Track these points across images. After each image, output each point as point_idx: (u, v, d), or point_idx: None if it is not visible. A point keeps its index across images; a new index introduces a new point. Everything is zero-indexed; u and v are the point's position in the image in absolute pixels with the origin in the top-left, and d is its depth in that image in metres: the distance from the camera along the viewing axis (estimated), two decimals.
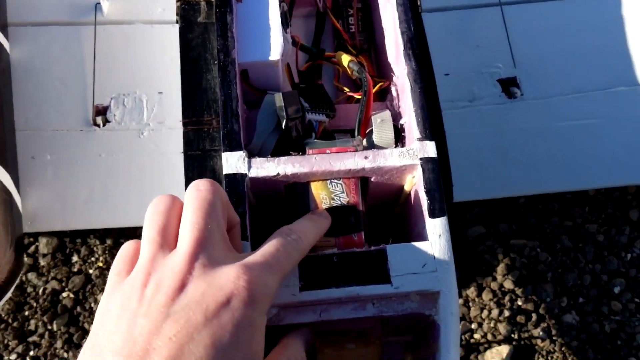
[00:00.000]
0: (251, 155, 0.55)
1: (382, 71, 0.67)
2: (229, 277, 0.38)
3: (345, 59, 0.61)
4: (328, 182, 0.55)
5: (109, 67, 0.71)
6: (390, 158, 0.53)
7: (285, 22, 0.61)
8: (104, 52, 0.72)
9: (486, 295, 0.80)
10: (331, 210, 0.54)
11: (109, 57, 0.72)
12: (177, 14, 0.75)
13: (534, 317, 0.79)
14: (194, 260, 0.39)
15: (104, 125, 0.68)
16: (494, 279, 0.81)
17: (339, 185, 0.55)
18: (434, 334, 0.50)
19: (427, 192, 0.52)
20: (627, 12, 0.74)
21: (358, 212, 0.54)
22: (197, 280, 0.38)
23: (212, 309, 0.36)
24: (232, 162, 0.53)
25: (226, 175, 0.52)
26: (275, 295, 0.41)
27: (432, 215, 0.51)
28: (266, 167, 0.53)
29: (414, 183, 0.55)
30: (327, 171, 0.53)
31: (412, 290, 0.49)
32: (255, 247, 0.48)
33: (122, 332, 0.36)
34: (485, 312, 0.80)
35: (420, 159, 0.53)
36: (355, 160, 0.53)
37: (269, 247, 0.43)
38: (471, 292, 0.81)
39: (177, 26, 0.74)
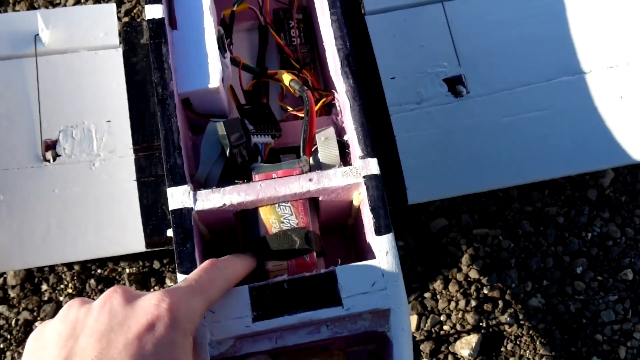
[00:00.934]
0: (198, 185, 0.55)
1: (327, 83, 0.68)
2: (151, 302, 0.42)
3: (287, 78, 0.62)
4: (276, 205, 0.56)
5: (54, 98, 0.71)
6: (334, 178, 0.54)
7: (223, 47, 0.61)
8: (48, 84, 0.71)
9: (452, 287, 0.82)
10: (281, 233, 0.55)
11: (54, 88, 0.71)
12: (119, 37, 0.74)
13: (501, 304, 0.81)
14: (118, 290, 0.43)
15: (54, 159, 0.68)
16: (459, 270, 0.83)
17: (287, 208, 0.56)
18: (388, 349, 0.51)
19: (372, 210, 0.53)
20: (567, 1, 0.74)
21: (308, 234, 0.55)
22: (122, 306, 0.41)
23: (134, 331, 0.40)
24: (177, 196, 0.53)
25: (172, 211, 0.52)
26: (201, 317, 0.45)
27: (378, 232, 0.52)
28: (212, 199, 0.53)
29: (361, 199, 0.56)
30: (274, 197, 0.54)
31: (364, 310, 0.50)
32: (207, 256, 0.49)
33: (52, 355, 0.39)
34: (453, 304, 0.81)
35: (364, 177, 0.54)
36: (300, 184, 0.54)
37: (192, 274, 0.47)
38: (438, 285, 0.82)
39: (120, 50, 0.73)
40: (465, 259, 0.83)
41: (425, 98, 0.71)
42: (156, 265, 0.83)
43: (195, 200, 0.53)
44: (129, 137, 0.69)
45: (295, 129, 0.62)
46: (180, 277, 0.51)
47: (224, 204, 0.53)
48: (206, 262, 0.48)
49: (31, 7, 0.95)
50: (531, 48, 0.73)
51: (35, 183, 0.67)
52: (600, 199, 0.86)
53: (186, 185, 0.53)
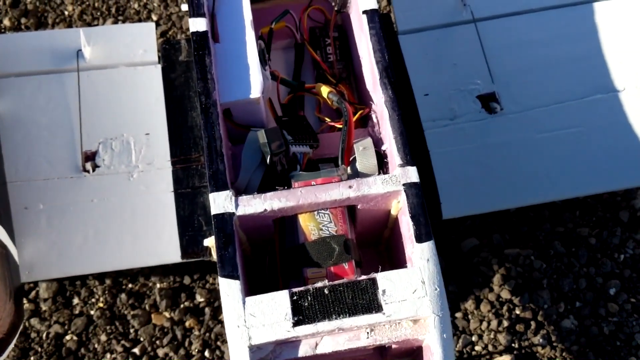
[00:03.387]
0: (238, 193, 0.56)
1: (363, 97, 0.69)
2: None
3: (325, 90, 0.63)
4: (315, 213, 0.56)
5: (94, 112, 0.73)
6: (374, 186, 0.55)
7: (264, 59, 0.62)
8: (89, 98, 0.73)
9: (484, 307, 0.81)
10: (320, 240, 0.55)
11: (94, 102, 0.73)
12: (158, 54, 0.76)
13: (533, 324, 0.80)
14: None
15: (93, 170, 0.69)
16: (491, 289, 0.82)
17: (326, 215, 0.56)
18: (429, 357, 0.51)
19: (412, 217, 0.53)
20: (599, 20, 0.75)
21: (347, 241, 0.55)
22: None
23: None
24: (220, 202, 0.54)
25: (214, 215, 0.53)
26: None
27: (419, 240, 0.52)
28: (253, 204, 0.54)
29: (400, 207, 0.56)
30: (314, 203, 0.54)
31: (404, 317, 0.50)
32: (249, 284, 0.49)
33: None
34: (485, 324, 0.80)
35: (403, 184, 0.54)
36: (340, 191, 0.54)
37: None
38: (469, 304, 0.81)
39: (159, 66, 0.75)
40: (497, 279, 0.82)
41: (459, 114, 0.71)
42: (187, 280, 0.83)
43: (237, 205, 0.53)
44: (167, 149, 0.70)
45: (331, 141, 0.63)
46: (223, 281, 0.51)
47: (265, 210, 0.54)
48: None
49: (69, 27, 0.98)
50: (564, 67, 0.74)
51: (75, 193, 0.68)
52: (632, 220, 0.85)
53: (228, 191, 0.54)
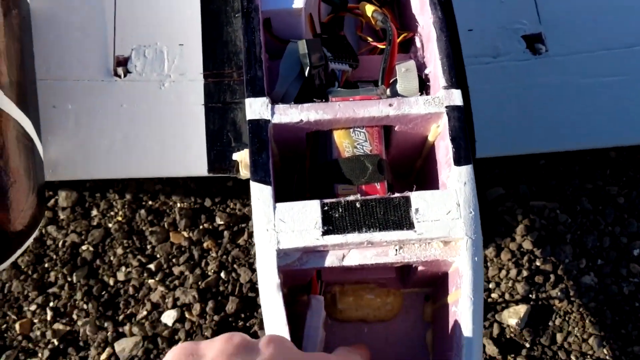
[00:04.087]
0: (274, 101, 0.54)
1: (405, 24, 0.66)
2: None
3: (369, 9, 0.61)
4: (351, 130, 0.55)
5: (129, 18, 0.71)
6: (415, 106, 0.53)
7: None
8: (124, 3, 0.72)
9: (505, 256, 0.80)
10: (354, 158, 0.54)
11: (130, 8, 0.72)
12: None
13: (552, 277, 0.79)
14: None
15: (124, 76, 0.68)
16: (513, 239, 0.81)
17: (362, 133, 0.55)
18: (456, 281, 0.50)
19: (453, 140, 0.52)
20: None
21: (381, 161, 0.54)
22: None
23: None
24: (256, 108, 0.52)
25: (249, 121, 0.52)
26: None
27: (458, 162, 0.51)
28: (289, 114, 0.52)
29: (439, 132, 0.55)
30: (351, 118, 0.53)
31: (436, 237, 0.49)
32: (277, 193, 0.48)
33: None
34: (504, 272, 0.80)
35: (446, 107, 0.53)
36: (379, 108, 0.53)
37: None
38: (490, 252, 0.80)
39: None
40: (520, 229, 0.81)
41: (502, 53, 0.69)
42: (207, 203, 0.82)
43: (272, 113, 0.52)
44: (200, 62, 0.69)
45: (371, 63, 0.61)
46: (255, 186, 0.50)
47: (301, 120, 0.52)
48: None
49: None
50: (614, 13, 0.71)
51: (104, 96, 0.67)
52: None
53: (265, 98, 0.53)
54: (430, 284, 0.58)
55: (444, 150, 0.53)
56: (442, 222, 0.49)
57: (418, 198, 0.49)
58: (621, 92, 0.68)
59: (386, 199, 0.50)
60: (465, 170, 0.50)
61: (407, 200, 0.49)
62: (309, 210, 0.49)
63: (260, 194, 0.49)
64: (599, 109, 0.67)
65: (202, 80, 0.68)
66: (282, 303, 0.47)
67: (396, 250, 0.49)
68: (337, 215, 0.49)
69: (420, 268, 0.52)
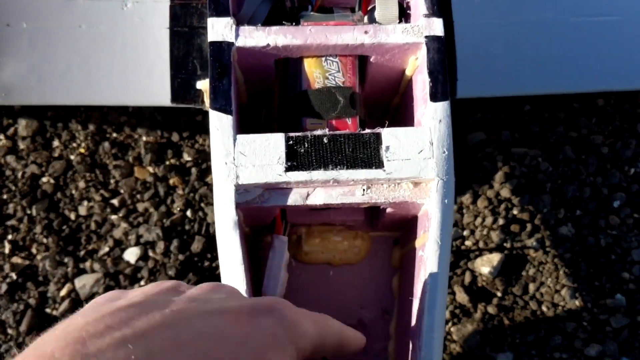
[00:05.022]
0: (240, 23, 0.50)
1: None
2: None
3: None
4: (323, 59, 0.51)
5: None
6: (392, 34, 0.49)
7: None
8: None
9: (481, 203, 0.78)
10: (325, 90, 0.50)
11: None
12: None
13: (529, 227, 0.77)
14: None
15: None
16: (491, 186, 0.78)
17: (334, 63, 0.51)
18: (425, 225, 0.47)
19: (430, 74, 0.48)
20: None
21: (354, 94, 0.50)
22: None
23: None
24: (219, 28, 0.48)
25: (211, 42, 0.47)
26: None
27: (434, 98, 0.47)
28: (255, 37, 0.48)
29: (417, 66, 0.51)
30: (323, 45, 0.49)
31: (406, 177, 0.45)
32: (243, 128, 0.44)
33: None
34: (479, 220, 0.77)
35: (426, 37, 0.49)
36: (354, 35, 0.49)
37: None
38: (466, 198, 0.78)
39: None
40: (499, 176, 0.78)
41: None
42: (175, 137, 0.79)
43: (237, 35, 0.48)
44: None
45: None
46: (214, 114, 0.46)
47: (268, 44, 0.48)
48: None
49: None
50: None
51: (62, 16, 0.62)
52: None
53: (229, 18, 0.48)
54: (400, 228, 0.56)
55: (421, 85, 0.49)
56: (413, 162, 0.45)
57: (389, 135, 0.46)
58: (612, 33, 0.64)
59: (356, 135, 0.46)
60: (442, 107, 0.47)
61: (378, 137, 0.46)
62: (273, 144, 0.45)
63: (220, 123, 0.46)
64: (588, 51, 0.64)
65: (168, 1, 0.63)
66: (239, 242, 0.44)
67: (364, 190, 0.46)
68: (302, 150, 0.45)
69: (388, 210, 0.49)
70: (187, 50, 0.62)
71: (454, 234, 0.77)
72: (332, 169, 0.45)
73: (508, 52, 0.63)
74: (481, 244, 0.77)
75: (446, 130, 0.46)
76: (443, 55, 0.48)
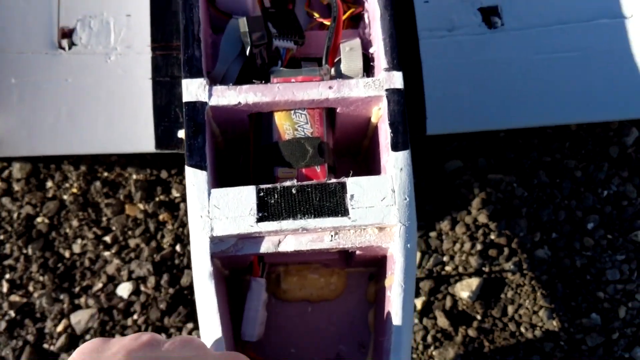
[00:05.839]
0: (213, 82, 0.53)
1: None
2: None
3: None
4: (292, 112, 0.54)
5: None
6: (355, 88, 0.52)
7: None
8: None
9: (460, 229, 0.81)
10: (294, 141, 0.53)
11: None
12: None
13: (506, 251, 0.80)
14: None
15: (69, 48, 0.66)
16: (469, 212, 0.81)
17: (303, 115, 0.54)
18: (392, 266, 0.50)
19: (391, 125, 0.51)
20: None
21: (322, 144, 0.53)
22: None
23: None
24: (192, 89, 0.51)
25: (185, 103, 0.51)
26: None
27: (395, 148, 0.50)
28: (227, 96, 0.51)
29: (380, 115, 0.54)
30: (290, 101, 0.52)
31: (370, 224, 0.48)
32: (220, 181, 0.47)
33: None
34: (458, 245, 0.80)
35: (386, 90, 0.52)
36: (319, 90, 0.52)
37: None
38: (445, 225, 0.81)
39: None
40: (476, 203, 0.81)
41: (458, 26, 0.68)
42: (164, 174, 0.82)
43: (210, 95, 0.51)
44: (148, 33, 0.67)
45: (318, 39, 0.60)
46: (190, 170, 0.49)
47: (239, 102, 0.51)
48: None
49: None
50: None
51: (49, 70, 0.66)
52: (621, 157, 0.83)
53: (202, 79, 0.51)
54: (374, 264, 0.59)
55: (385, 134, 0.53)
56: (377, 209, 0.49)
57: (354, 184, 0.49)
58: (576, 69, 0.67)
59: (322, 185, 0.49)
60: (402, 156, 0.50)
61: (343, 186, 0.49)
62: (245, 196, 0.48)
63: (195, 179, 0.49)
64: (553, 86, 0.67)
65: (150, 53, 0.67)
66: (214, 292, 0.47)
67: (332, 236, 0.49)
68: (272, 201, 0.48)
69: (358, 252, 0.52)
70: (169, 99, 0.65)
71: (435, 259, 0.80)
72: (301, 218, 0.48)
73: (474, 90, 0.66)
74: (460, 269, 0.80)
75: (407, 178, 0.50)
76: (403, 107, 0.51)
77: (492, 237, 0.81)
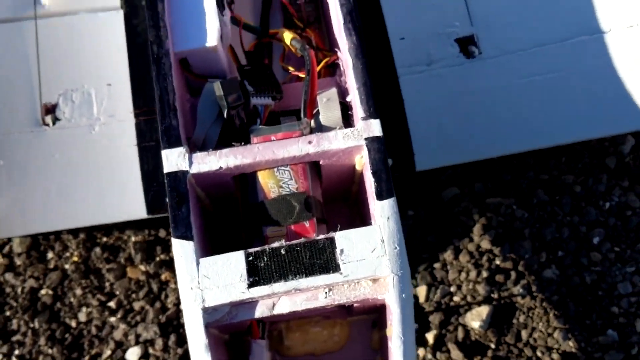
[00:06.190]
0: (195, 147, 0.53)
1: (333, 43, 0.65)
2: None
3: (288, 36, 0.59)
4: (275, 169, 0.54)
5: (54, 61, 0.70)
6: (334, 141, 0.52)
7: (222, 4, 0.59)
8: (48, 47, 0.70)
9: (464, 257, 0.80)
10: (280, 198, 0.53)
11: (54, 51, 0.70)
12: None
13: (513, 275, 0.79)
14: None
15: (54, 124, 0.67)
16: (471, 240, 0.80)
17: (286, 172, 0.54)
18: (390, 316, 0.50)
19: (374, 174, 0.51)
20: None
21: (308, 199, 0.53)
22: None
23: None
24: (172, 159, 0.51)
25: (167, 174, 0.51)
26: None
27: (380, 197, 0.50)
28: (208, 162, 0.51)
29: (364, 162, 0.54)
30: (272, 160, 0.52)
31: (362, 277, 0.48)
32: (211, 240, 0.47)
33: None
34: (464, 274, 0.79)
35: (366, 139, 0.52)
36: (299, 147, 0.52)
37: None
38: (448, 255, 0.80)
39: (121, 12, 0.71)
40: (477, 229, 0.81)
41: (436, 59, 0.68)
42: (162, 233, 0.82)
43: (190, 163, 0.51)
44: (130, 100, 0.68)
45: (296, 92, 0.60)
46: (176, 242, 0.49)
47: (220, 167, 0.51)
48: None
49: None
50: (546, 7, 0.69)
51: (35, 148, 0.66)
52: (619, 166, 0.82)
53: (181, 148, 0.51)
54: (375, 311, 0.58)
55: (369, 182, 0.52)
56: (368, 261, 0.48)
57: (343, 238, 0.49)
58: (559, 89, 0.66)
59: (311, 242, 0.49)
60: (388, 205, 0.50)
61: (332, 241, 0.49)
62: (234, 263, 0.48)
63: (182, 250, 0.49)
64: (537, 109, 0.66)
65: (133, 119, 0.67)
66: None
67: (325, 293, 0.49)
68: (262, 264, 0.48)
69: (355, 305, 0.51)
70: (156, 163, 0.65)
71: (442, 291, 0.79)
72: (292, 279, 0.48)
73: (459, 122, 0.66)
74: (469, 298, 0.79)
75: (395, 226, 0.49)
76: (384, 154, 0.51)
77: (498, 262, 0.79)
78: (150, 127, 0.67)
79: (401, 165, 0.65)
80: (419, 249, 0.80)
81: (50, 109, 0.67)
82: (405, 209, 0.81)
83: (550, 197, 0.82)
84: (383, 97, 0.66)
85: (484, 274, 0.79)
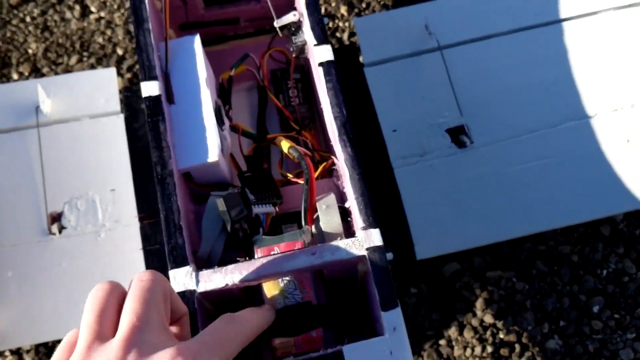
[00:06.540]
0: (201, 262, 0.55)
1: (328, 142, 0.67)
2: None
3: (285, 145, 0.61)
4: (280, 280, 0.55)
5: (58, 169, 0.72)
6: (337, 252, 0.53)
7: (221, 119, 0.61)
8: (52, 155, 0.72)
9: (468, 333, 0.81)
10: (286, 310, 0.54)
11: (57, 159, 0.72)
12: (120, 103, 0.75)
13: (518, 347, 0.80)
14: (129, 347, 0.39)
15: (60, 232, 0.69)
16: (474, 314, 0.82)
17: (291, 282, 0.55)
18: None
19: (377, 284, 0.52)
20: (568, 44, 0.73)
21: (313, 308, 0.54)
22: None
23: None
24: (180, 279, 0.53)
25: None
26: None
27: (385, 308, 0.51)
28: (214, 279, 0.53)
29: (367, 268, 0.55)
30: (276, 273, 0.53)
31: None
32: None
33: None
34: (469, 350, 0.80)
35: (367, 249, 0.53)
36: (302, 259, 0.53)
37: (208, 330, 0.43)
38: (453, 331, 0.81)
39: (122, 116, 0.74)
40: (479, 303, 0.82)
41: (429, 150, 0.70)
42: None
43: (197, 281, 0.53)
44: (134, 205, 0.69)
45: (296, 193, 0.62)
46: None
47: (227, 284, 0.53)
48: (222, 317, 0.45)
49: (34, 67, 0.96)
50: (533, 94, 0.72)
51: (42, 257, 0.68)
52: (614, 234, 0.84)
53: (188, 267, 0.53)
54: None
55: (373, 290, 0.54)
56: None
57: (351, 351, 0.50)
58: (550, 174, 0.69)
59: (320, 358, 0.50)
60: (393, 315, 0.51)
61: (340, 355, 0.50)
62: None
63: None
64: (530, 195, 0.68)
65: (138, 223, 0.69)
66: None
67: None
68: None
69: None
70: (162, 267, 0.66)
71: None
72: None
73: (455, 210, 0.68)
74: None
75: (402, 336, 0.50)
76: (386, 264, 0.52)
77: (501, 335, 0.81)
78: (154, 231, 0.68)
79: (402, 255, 0.67)
80: (424, 327, 0.82)
81: (56, 218, 0.69)
82: (407, 287, 0.83)
83: (549, 267, 0.83)
84: (379, 189, 0.68)
85: (489, 348, 0.80)
